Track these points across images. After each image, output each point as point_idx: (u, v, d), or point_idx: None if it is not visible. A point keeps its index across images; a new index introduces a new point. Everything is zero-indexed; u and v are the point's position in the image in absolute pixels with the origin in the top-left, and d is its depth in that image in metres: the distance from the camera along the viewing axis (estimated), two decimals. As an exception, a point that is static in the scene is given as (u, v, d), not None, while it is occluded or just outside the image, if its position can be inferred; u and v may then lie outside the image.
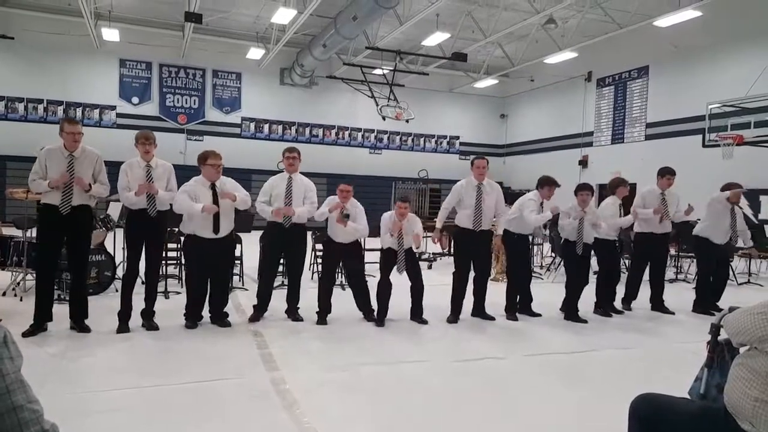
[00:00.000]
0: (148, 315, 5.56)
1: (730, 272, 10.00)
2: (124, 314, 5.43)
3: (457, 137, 24.23)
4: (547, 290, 8.13)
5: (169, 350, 4.84)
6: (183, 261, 7.16)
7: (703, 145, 14.14)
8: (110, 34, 17.12)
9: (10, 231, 7.85)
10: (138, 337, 5.22)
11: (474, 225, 6.16)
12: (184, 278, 6.33)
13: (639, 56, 17.88)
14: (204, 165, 5.61)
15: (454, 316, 6.21)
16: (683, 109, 16.29)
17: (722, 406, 2.06)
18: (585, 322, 6.42)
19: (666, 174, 7.21)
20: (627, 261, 9.20)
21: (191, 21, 15.01)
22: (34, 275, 5.64)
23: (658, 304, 7.23)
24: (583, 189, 6.55)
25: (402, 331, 5.70)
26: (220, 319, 5.70)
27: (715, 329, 2.30)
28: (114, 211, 7.88)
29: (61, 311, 6.02)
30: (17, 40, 17.74)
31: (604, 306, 6.84)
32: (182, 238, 6.16)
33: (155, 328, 5.44)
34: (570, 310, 6.55)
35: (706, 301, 7.21)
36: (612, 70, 19.22)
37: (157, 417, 3.43)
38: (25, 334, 4.96)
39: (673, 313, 7.06)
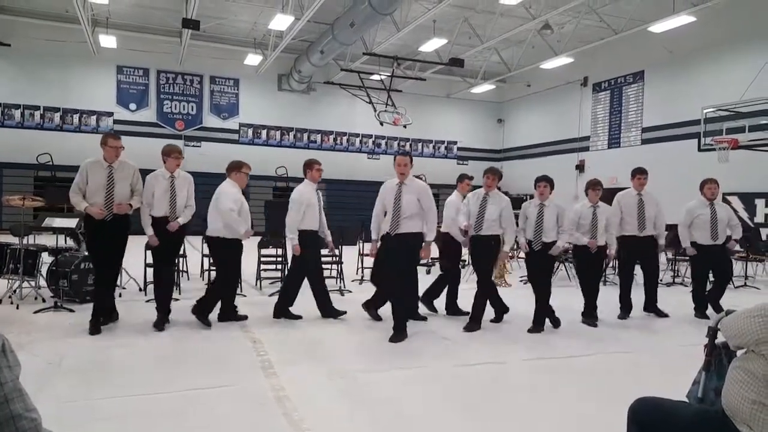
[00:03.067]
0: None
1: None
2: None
3: (455, 142, 24.29)
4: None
5: (167, 357, 4.82)
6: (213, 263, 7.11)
7: (699, 149, 14.21)
8: (108, 40, 17.15)
9: (6, 238, 7.83)
10: (135, 343, 5.21)
11: (390, 228, 5.65)
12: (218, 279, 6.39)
13: (634, 61, 17.98)
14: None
15: (395, 332, 5.60)
16: (678, 114, 16.38)
17: (720, 409, 2.07)
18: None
19: (636, 174, 7.03)
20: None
21: (189, 27, 15.05)
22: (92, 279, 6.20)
23: (651, 306, 7.11)
24: (539, 181, 6.19)
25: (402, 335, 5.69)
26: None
27: (713, 332, 2.31)
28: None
29: (58, 320, 6.01)
30: (14, 47, 17.76)
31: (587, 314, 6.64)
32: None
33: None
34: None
35: (703, 306, 7.07)
36: (608, 75, 19.31)
37: (156, 425, 3.42)
38: (92, 332, 5.38)
39: (667, 315, 7.04)
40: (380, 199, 5.83)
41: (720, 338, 2.27)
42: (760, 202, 14.53)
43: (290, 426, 3.41)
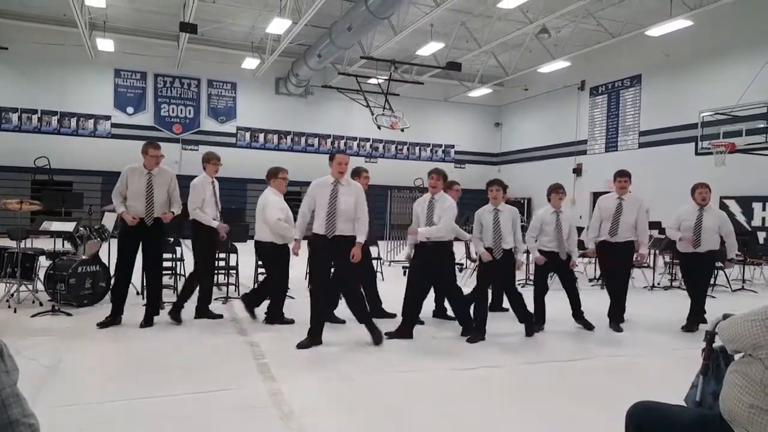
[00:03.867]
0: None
1: (725, 280, 10.10)
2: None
3: (452, 146, 24.31)
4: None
5: (164, 361, 4.81)
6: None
7: (696, 153, 14.24)
8: (105, 44, 17.16)
9: (3, 242, 7.81)
10: (133, 348, 5.20)
11: (327, 230, 5.32)
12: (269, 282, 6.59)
13: (631, 65, 18.04)
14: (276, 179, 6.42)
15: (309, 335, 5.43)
16: (676, 118, 16.43)
17: (718, 413, 2.07)
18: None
19: (616, 177, 6.70)
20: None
21: (186, 31, 15.05)
22: (113, 277, 6.35)
23: (613, 315, 6.61)
24: (491, 185, 5.96)
25: (398, 341, 5.68)
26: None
27: (710, 336, 2.31)
28: (109, 221, 7.86)
29: (55, 324, 6.01)
30: (12, 51, 17.75)
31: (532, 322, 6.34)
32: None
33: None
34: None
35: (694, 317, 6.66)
36: (605, 79, 19.37)
37: (154, 428, 3.42)
38: (100, 325, 5.79)
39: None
40: (311, 198, 5.42)
41: (718, 342, 2.27)
42: (757, 206, 14.57)
43: (287, 430, 3.41)
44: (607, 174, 18.94)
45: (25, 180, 17.28)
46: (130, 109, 19.93)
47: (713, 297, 9.20)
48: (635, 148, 18.27)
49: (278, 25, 14.61)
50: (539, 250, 6.36)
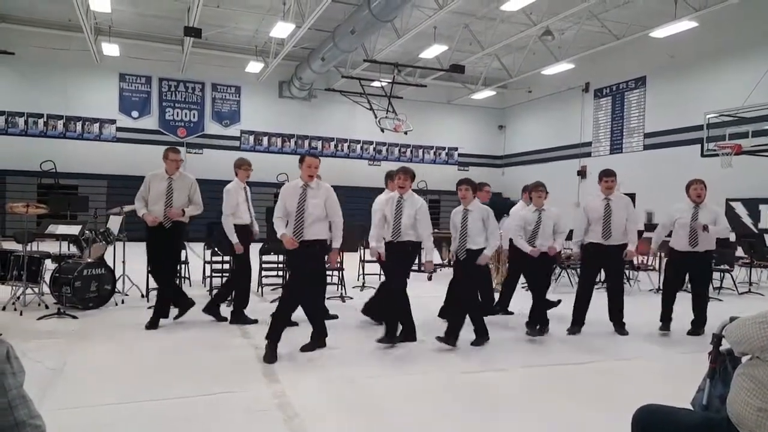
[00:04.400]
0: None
1: (732, 282, 10.05)
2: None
3: (456, 148, 24.30)
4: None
5: (168, 364, 4.82)
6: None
7: (702, 155, 14.20)
8: (110, 48, 17.23)
9: (10, 245, 7.84)
10: (137, 350, 5.21)
11: (295, 235, 5.16)
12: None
13: (636, 67, 17.99)
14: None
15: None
16: (681, 119, 16.37)
17: (725, 416, 2.05)
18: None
19: (602, 177, 6.46)
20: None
21: (190, 35, 15.09)
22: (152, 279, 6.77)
23: (615, 318, 6.48)
24: (460, 184, 5.80)
25: (403, 343, 5.67)
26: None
27: (717, 339, 2.29)
28: (114, 224, 7.89)
29: (61, 326, 6.02)
30: (18, 56, 17.83)
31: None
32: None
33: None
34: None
35: (667, 318, 6.51)
36: (609, 81, 19.33)
37: (157, 431, 3.42)
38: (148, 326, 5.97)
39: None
40: (283, 202, 5.27)
41: (725, 345, 2.25)
42: (764, 208, 14.49)
43: (293, 433, 3.41)
44: (612, 176, 18.74)
45: (31, 184, 17.34)
46: (135, 113, 20.00)
47: (720, 300, 9.16)
48: (640, 150, 18.21)
49: (282, 29, 14.64)
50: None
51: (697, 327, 6.50)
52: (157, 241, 6.16)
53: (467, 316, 5.73)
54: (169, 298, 6.29)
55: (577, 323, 6.42)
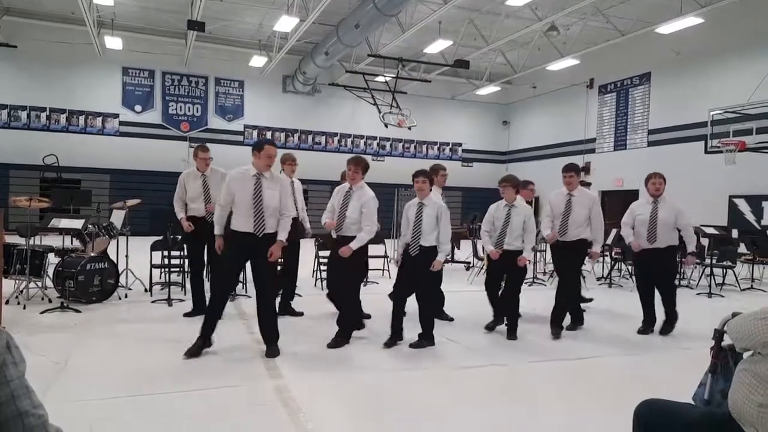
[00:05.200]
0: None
1: (734, 279, 10.02)
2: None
3: (460, 144, 24.27)
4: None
5: (172, 358, 4.83)
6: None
7: (706, 152, 14.15)
8: (113, 42, 17.23)
9: (13, 239, 7.87)
10: (139, 344, 5.22)
11: (256, 228, 4.83)
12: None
13: (641, 63, 17.93)
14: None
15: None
16: (685, 116, 16.32)
17: (726, 411, 2.05)
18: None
19: (563, 172, 6.32)
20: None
21: (194, 29, 15.10)
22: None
23: (554, 319, 6.11)
24: (417, 176, 5.56)
25: (405, 338, 5.67)
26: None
27: (719, 335, 2.30)
28: (117, 219, 7.91)
29: (64, 320, 6.04)
30: (20, 49, 17.84)
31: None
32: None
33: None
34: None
35: (649, 322, 6.28)
36: (614, 77, 19.27)
37: (160, 425, 3.43)
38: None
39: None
40: (230, 192, 4.92)
41: (726, 340, 2.25)
42: (767, 205, 14.46)
43: (295, 427, 3.42)
44: (616, 173, 18.94)
45: (34, 178, 17.39)
46: (138, 107, 20.00)
47: (722, 296, 9.15)
48: (644, 147, 18.17)
49: (286, 23, 14.63)
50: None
51: (666, 325, 6.25)
52: (196, 239, 6.38)
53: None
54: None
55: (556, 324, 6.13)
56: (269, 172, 4.97)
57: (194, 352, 4.78)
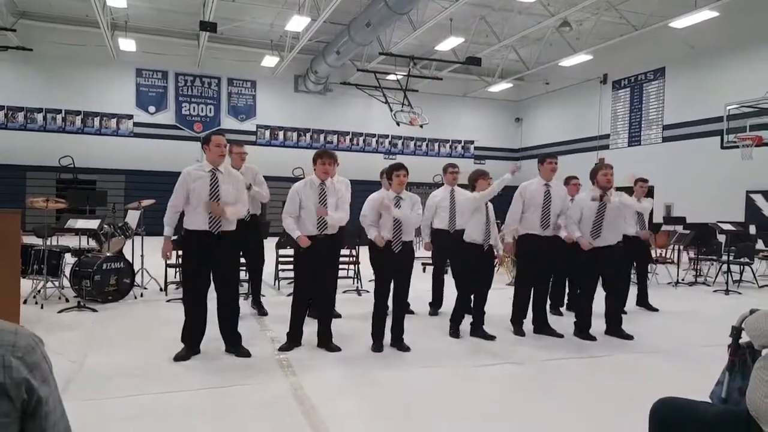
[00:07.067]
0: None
1: (752, 276, 9.90)
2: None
3: (472, 141, 24.20)
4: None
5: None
6: None
7: (722, 147, 13.97)
8: (127, 44, 17.38)
9: (30, 239, 7.97)
10: (155, 343, 5.26)
11: (211, 226, 4.67)
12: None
13: (655, 58, 17.75)
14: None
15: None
16: (701, 111, 16.13)
17: (744, 409, 2.03)
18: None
19: (546, 159, 5.93)
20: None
21: (206, 30, 15.18)
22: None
23: (537, 320, 5.95)
24: (398, 169, 5.28)
25: (418, 337, 5.67)
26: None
27: (736, 332, 2.27)
28: (132, 219, 7.98)
29: (81, 319, 6.10)
30: (36, 52, 18.03)
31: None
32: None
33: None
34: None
35: (583, 325, 5.85)
36: (628, 72, 19.08)
37: (176, 423, 3.46)
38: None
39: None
40: (183, 187, 4.69)
41: (744, 338, 2.23)
42: (783, 200, 14.26)
43: (309, 426, 3.43)
44: (630, 169, 18.68)
45: (51, 179, 17.61)
46: (151, 108, 20.17)
47: (739, 293, 9.04)
48: (659, 142, 17.98)
49: (297, 23, 14.67)
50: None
51: (612, 326, 5.95)
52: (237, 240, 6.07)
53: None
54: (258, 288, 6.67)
55: (517, 323, 5.94)
56: (223, 166, 4.81)
57: (183, 356, 4.67)
